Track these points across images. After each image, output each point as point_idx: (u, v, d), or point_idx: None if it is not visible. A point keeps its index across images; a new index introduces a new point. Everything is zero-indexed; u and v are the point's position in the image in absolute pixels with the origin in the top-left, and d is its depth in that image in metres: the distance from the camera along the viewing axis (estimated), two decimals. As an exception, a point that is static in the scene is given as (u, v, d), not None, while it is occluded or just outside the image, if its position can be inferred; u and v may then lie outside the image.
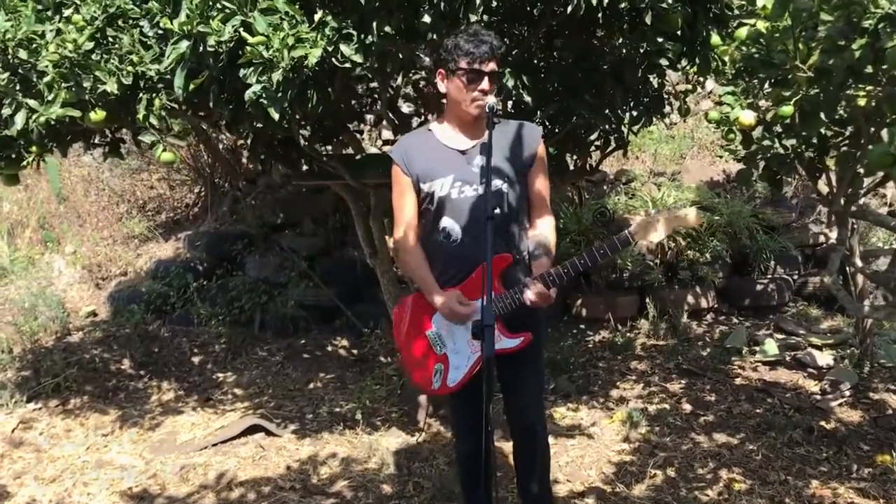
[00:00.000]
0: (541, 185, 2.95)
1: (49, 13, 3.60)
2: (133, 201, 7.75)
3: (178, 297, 6.35)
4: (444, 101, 2.93)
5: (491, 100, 2.77)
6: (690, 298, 6.62)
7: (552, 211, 3.04)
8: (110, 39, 3.66)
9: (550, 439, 4.41)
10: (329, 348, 6.16)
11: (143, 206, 7.78)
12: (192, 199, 7.71)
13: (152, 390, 5.41)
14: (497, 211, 2.79)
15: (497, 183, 2.80)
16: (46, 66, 3.48)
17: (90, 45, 3.55)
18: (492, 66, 2.74)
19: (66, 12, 3.57)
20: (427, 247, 2.91)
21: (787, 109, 2.87)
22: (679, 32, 3.58)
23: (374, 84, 4.27)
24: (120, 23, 3.64)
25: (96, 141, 4.42)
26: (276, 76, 3.05)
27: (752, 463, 4.08)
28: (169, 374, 5.68)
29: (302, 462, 4.24)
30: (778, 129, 3.44)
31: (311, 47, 3.13)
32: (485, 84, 2.73)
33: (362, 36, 3.22)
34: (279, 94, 3.19)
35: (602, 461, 4.20)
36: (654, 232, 2.76)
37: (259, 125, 3.72)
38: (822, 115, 2.73)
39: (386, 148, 5.35)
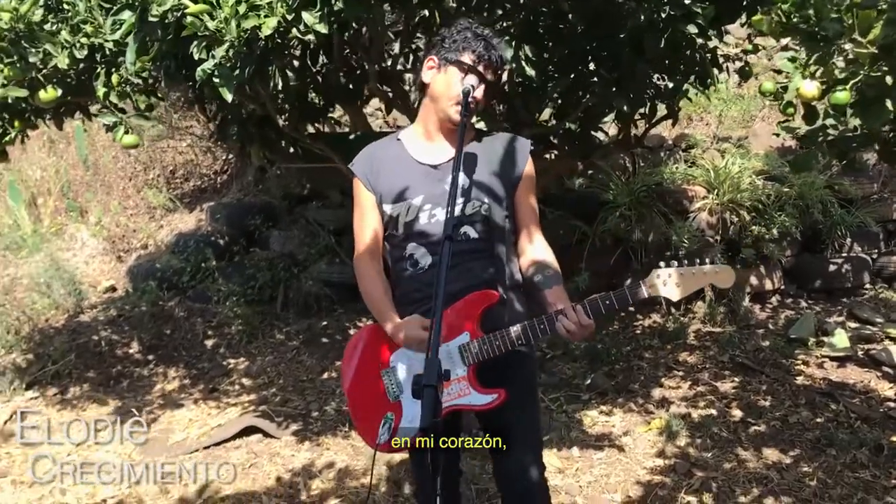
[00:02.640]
0: (529, 204, 2.46)
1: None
2: (162, 168, 7.44)
3: (195, 273, 6.01)
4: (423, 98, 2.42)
5: (470, 79, 2.24)
6: (754, 279, 6.01)
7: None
8: (66, 6, 3.24)
9: (575, 451, 4.01)
10: (351, 331, 5.77)
11: (172, 172, 7.47)
12: (221, 167, 7.36)
13: (157, 378, 5.12)
14: (474, 235, 2.33)
15: (473, 204, 2.33)
16: (-14, 40, 3.08)
17: (39, 13, 3.13)
18: (493, 77, 2.33)
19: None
20: (393, 276, 2.44)
21: (842, 96, 2.24)
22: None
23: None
24: (76, -13, 3.22)
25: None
26: (221, 51, 2.56)
27: (805, 490, 3.53)
28: (178, 360, 5.38)
29: (294, 473, 3.86)
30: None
31: (265, 16, 2.63)
32: (479, 91, 2.27)
33: (331, 1, 2.69)
34: (235, 72, 2.71)
35: (630, 481, 3.70)
36: (674, 289, 2.21)
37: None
38: (889, 103, 2.09)
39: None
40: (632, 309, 6.04)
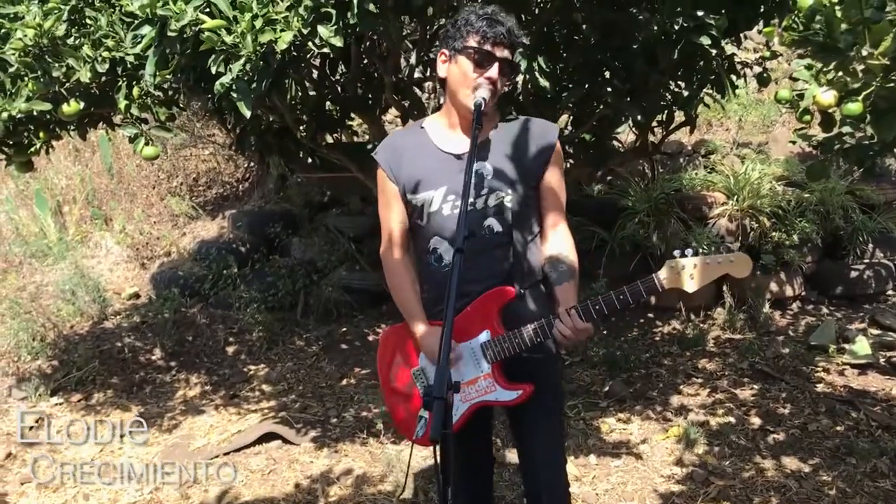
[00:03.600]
0: (556, 189, 2.40)
1: (21, -7, 3.25)
2: (185, 176, 7.52)
3: (217, 280, 6.08)
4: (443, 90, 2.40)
5: (481, 93, 2.23)
6: (774, 286, 5.97)
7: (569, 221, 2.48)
8: (88, 21, 3.30)
9: (592, 459, 4.01)
10: (371, 337, 5.80)
11: (195, 180, 7.56)
12: (242, 174, 7.43)
13: (179, 384, 5.18)
14: (498, 228, 2.31)
15: (499, 194, 2.30)
16: (11, 55, 3.15)
17: (63, 28, 3.20)
18: (505, 52, 2.23)
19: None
20: (420, 271, 2.45)
21: (855, 107, 2.23)
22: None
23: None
24: (98, 2, 3.28)
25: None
26: (238, 66, 2.60)
27: (824, 500, 3.51)
28: (199, 366, 5.44)
29: (312, 479, 3.89)
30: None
31: (282, 30, 2.67)
32: (493, 71, 2.21)
33: (346, 14, 2.73)
34: (252, 86, 2.76)
35: (647, 490, 3.69)
36: (689, 280, 2.19)
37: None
38: (901, 114, 2.09)
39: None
40: (650, 315, 6.04)
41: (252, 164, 7.25)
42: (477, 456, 2.65)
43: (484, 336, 2.30)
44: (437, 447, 1.73)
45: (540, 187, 2.39)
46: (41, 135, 3.95)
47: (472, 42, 2.21)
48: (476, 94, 2.22)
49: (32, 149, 4.02)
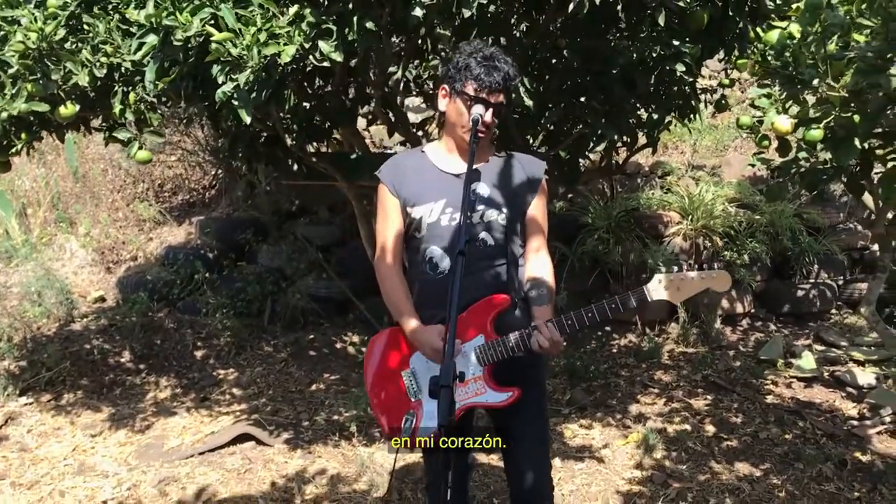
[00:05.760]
0: (540, 218, 2.61)
1: (22, -1, 3.33)
2: (150, 182, 7.54)
3: (185, 286, 6.13)
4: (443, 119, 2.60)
5: (478, 109, 2.42)
6: (725, 303, 6.24)
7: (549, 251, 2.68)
8: (86, 27, 3.39)
9: (557, 462, 4.18)
10: (338, 345, 5.91)
11: (160, 186, 7.59)
12: (209, 181, 7.49)
13: (149, 387, 5.22)
14: (491, 241, 2.49)
15: (491, 213, 2.49)
16: (11, 57, 3.23)
17: (62, 32, 3.29)
18: (500, 97, 2.42)
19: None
20: (412, 280, 2.60)
21: (816, 133, 2.47)
22: (706, 30, 3.16)
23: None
24: (97, 9, 3.37)
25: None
26: (243, 77, 2.74)
27: (774, 501, 3.73)
28: (169, 369, 5.49)
29: (288, 479, 3.99)
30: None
31: (284, 44, 2.81)
32: (487, 116, 2.40)
33: (345, 31, 2.89)
34: (252, 95, 2.89)
35: (609, 491, 3.88)
36: (675, 293, 2.40)
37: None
38: (857, 142, 2.32)
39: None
40: (608, 328, 6.26)
41: (219, 171, 7.32)
42: (455, 457, 2.79)
43: (478, 340, 2.46)
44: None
45: (526, 214, 2.59)
46: (23, 136, 3.99)
47: (470, 90, 2.39)
48: (472, 112, 2.41)
49: (13, 150, 4.05)
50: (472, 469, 2.91)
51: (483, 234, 2.48)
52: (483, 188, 2.48)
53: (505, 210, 2.50)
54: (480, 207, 2.47)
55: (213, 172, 7.49)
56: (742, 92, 7.58)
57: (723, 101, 4.90)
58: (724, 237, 6.18)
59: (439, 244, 2.50)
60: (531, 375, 2.56)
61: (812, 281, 6.39)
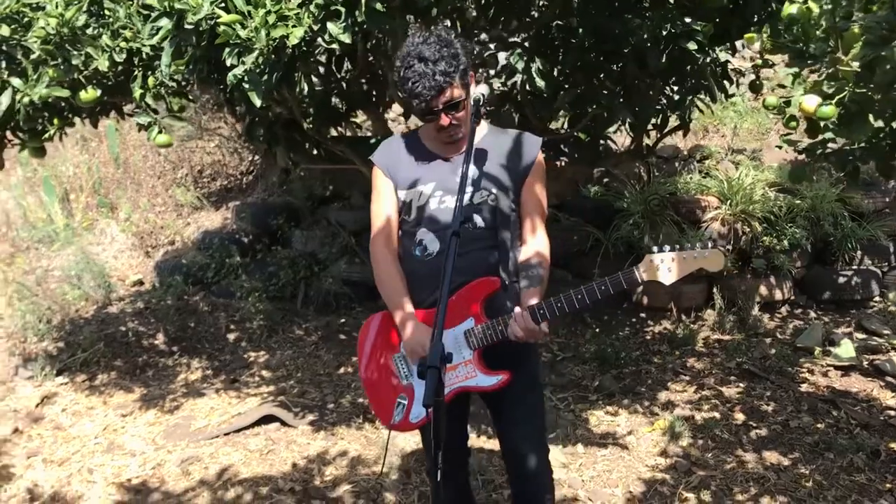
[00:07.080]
0: (535, 196, 2.56)
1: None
2: (189, 168, 7.66)
3: (220, 269, 6.23)
4: None
5: (481, 88, 2.40)
6: (764, 289, 6.08)
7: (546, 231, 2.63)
8: (107, 12, 3.44)
9: (580, 448, 4.15)
10: (369, 329, 5.93)
11: (200, 172, 7.70)
12: (246, 167, 7.57)
13: (181, 368, 5.32)
14: (481, 224, 2.47)
15: (485, 192, 2.46)
16: (34, 43, 3.29)
17: (83, 18, 3.34)
18: (447, 95, 2.30)
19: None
20: (404, 263, 2.59)
21: (829, 110, 2.37)
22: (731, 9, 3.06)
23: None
24: (117, -7, 3.42)
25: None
26: (251, 59, 2.75)
27: (801, 491, 3.64)
28: (201, 351, 5.58)
29: (309, 460, 4.03)
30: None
31: (293, 26, 2.81)
32: (442, 120, 2.35)
33: (354, 12, 2.87)
34: (263, 78, 2.90)
35: (631, 478, 3.83)
36: (666, 273, 2.35)
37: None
38: (871, 118, 2.23)
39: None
40: (642, 315, 6.17)
41: (256, 157, 7.39)
42: (453, 442, 2.71)
43: (468, 323, 2.44)
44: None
45: (523, 190, 2.55)
46: (55, 121, 4.07)
47: (414, 105, 2.34)
48: (475, 91, 2.39)
49: (46, 135, 4.14)
50: (469, 454, 2.87)
51: (475, 216, 2.46)
52: (473, 169, 2.43)
53: (499, 190, 2.47)
54: (470, 189, 2.43)
55: (249, 158, 7.57)
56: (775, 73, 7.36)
57: (757, 83, 4.76)
58: (764, 222, 6.02)
59: (429, 226, 2.48)
60: (522, 358, 2.54)
61: (855, 267, 6.19)
